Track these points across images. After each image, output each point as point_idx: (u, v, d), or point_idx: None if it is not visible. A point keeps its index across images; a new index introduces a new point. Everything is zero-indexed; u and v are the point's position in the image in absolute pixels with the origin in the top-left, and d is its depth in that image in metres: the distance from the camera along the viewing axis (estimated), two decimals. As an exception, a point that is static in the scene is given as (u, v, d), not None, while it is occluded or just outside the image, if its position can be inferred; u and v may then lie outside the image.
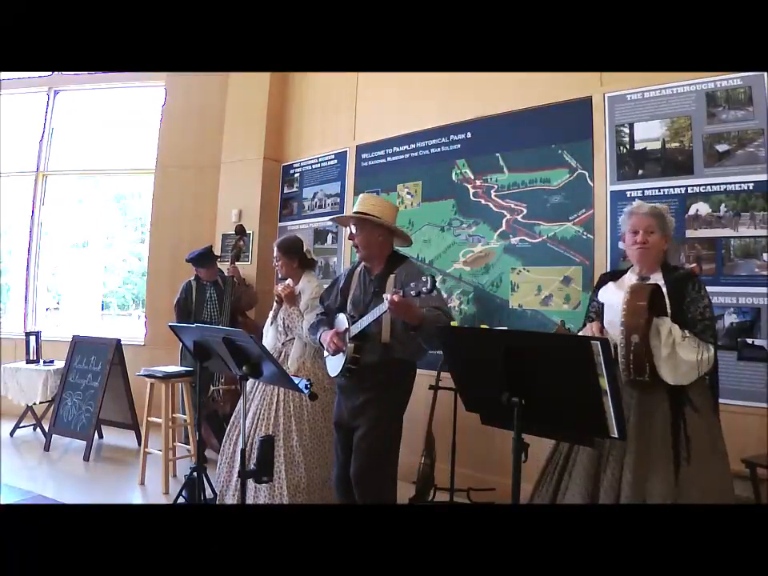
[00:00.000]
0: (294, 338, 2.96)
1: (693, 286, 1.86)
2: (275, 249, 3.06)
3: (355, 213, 2.47)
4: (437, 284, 2.04)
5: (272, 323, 3.08)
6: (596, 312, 2.08)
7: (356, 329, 2.36)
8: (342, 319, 2.48)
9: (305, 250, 3.07)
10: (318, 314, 2.68)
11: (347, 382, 2.46)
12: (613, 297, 1.97)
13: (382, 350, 2.35)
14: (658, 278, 1.92)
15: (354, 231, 2.47)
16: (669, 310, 1.82)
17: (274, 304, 3.09)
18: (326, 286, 2.79)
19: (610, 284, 2.05)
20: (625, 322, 1.75)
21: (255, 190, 4.77)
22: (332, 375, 2.53)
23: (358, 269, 2.57)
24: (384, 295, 2.16)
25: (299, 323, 2.91)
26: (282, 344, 2.99)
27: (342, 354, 2.41)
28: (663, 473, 1.73)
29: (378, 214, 2.43)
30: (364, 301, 2.45)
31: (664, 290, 1.86)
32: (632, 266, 2.06)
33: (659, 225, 1.94)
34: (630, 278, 2.00)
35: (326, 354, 2.56)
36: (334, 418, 2.56)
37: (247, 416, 3.00)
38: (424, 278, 1.99)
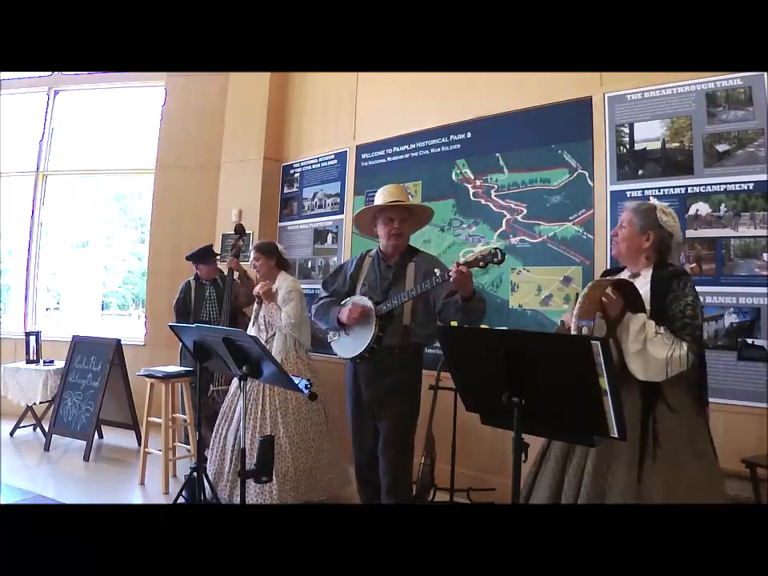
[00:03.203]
0: (275, 333, 3.18)
1: (678, 283, 1.80)
2: (254, 251, 3.32)
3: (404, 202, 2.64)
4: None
5: (254, 324, 3.30)
6: None
7: (386, 308, 2.49)
8: (359, 300, 2.59)
9: (280, 251, 3.40)
10: (325, 297, 2.80)
11: (364, 367, 2.56)
12: None
13: (402, 333, 2.51)
14: (647, 275, 1.90)
15: (397, 224, 2.59)
16: (649, 307, 1.79)
17: (255, 305, 3.32)
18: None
19: None
20: (577, 313, 1.72)
21: (255, 189, 4.77)
22: (348, 357, 2.63)
23: (370, 255, 2.72)
24: (438, 272, 2.38)
25: (278, 316, 3.14)
26: (265, 341, 3.17)
27: (358, 334, 2.53)
28: (624, 467, 1.71)
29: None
30: (381, 286, 2.60)
31: (647, 287, 1.83)
32: None
33: (636, 219, 1.93)
34: (624, 276, 1.99)
35: (330, 338, 2.70)
36: (352, 405, 2.68)
37: (236, 412, 3.15)
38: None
